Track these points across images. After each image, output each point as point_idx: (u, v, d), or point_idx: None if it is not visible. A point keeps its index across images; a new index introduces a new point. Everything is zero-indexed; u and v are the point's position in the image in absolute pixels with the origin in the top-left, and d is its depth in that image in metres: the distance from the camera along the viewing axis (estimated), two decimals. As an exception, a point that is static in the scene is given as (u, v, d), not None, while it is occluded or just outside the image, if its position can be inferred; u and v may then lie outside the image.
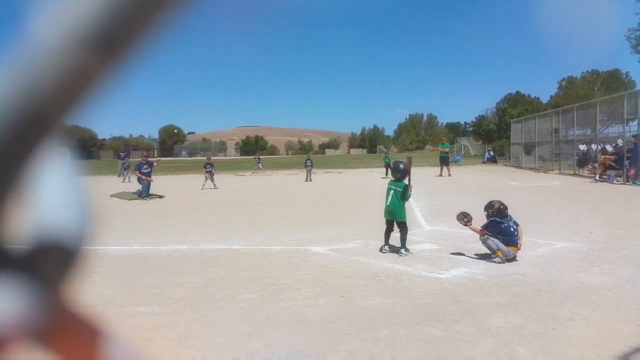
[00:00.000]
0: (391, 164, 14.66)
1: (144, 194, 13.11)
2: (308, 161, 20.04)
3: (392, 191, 5.65)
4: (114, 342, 0.31)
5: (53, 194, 0.23)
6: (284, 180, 21.00)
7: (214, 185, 15.87)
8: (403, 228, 5.58)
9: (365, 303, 3.90)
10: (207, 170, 16.20)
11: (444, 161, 20.49)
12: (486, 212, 5.40)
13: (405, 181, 5.69)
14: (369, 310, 3.72)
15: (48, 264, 0.23)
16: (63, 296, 0.25)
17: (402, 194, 5.58)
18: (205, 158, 17.92)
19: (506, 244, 5.11)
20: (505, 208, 5.32)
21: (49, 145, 0.22)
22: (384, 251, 5.62)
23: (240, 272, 4.97)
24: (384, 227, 5.77)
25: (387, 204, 5.64)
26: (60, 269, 0.23)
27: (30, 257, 0.22)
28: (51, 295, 0.23)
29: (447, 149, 21.49)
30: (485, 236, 5.20)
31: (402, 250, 5.49)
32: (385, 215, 5.73)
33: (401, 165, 5.82)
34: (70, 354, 0.29)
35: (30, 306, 0.22)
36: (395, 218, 5.63)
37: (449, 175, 19.52)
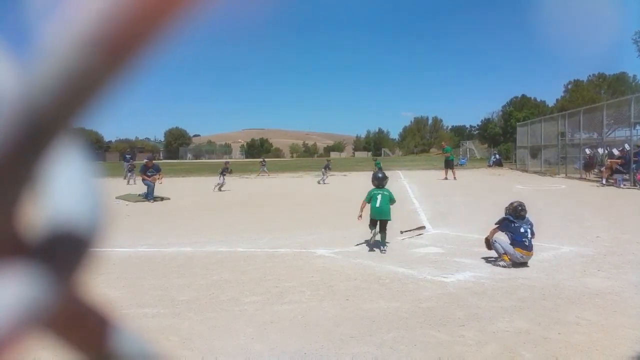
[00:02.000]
0: (381, 167, 14.86)
1: (149, 196, 13.16)
2: (327, 165, 20.77)
3: (379, 195, 6.09)
4: (124, 334, 0.32)
5: (67, 187, 0.24)
6: (289, 182, 21.02)
7: (220, 188, 15.99)
8: (385, 227, 6.09)
9: (369, 306, 3.89)
10: (223, 174, 16.31)
11: (448, 164, 20.47)
12: (506, 211, 5.44)
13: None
14: (373, 313, 3.72)
15: (62, 254, 0.23)
16: (76, 287, 0.26)
17: (390, 199, 6.12)
18: (224, 162, 17.96)
19: (513, 243, 5.10)
20: (522, 210, 5.31)
21: (62, 143, 0.23)
22: (377, 238, 6.05)
23: (244, 274, 4.98)
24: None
25: (378, 205, 6.07)
26: (74, 259, 0.23)
27: (45, 247, 0.23)
28: (64, 285, 0.24)
29: (449, 153, 21.42)
30: (492, 240, 5.20)
31: (384, 248, 5.99)
32: (375, 216, 6.07)
33: (380, 175, 6.37)
34: (81, 344, 0.29)
35: (43, 295, 0.22)
36: (387, 218, 6.07)
37: (454, 178, 19.45)
